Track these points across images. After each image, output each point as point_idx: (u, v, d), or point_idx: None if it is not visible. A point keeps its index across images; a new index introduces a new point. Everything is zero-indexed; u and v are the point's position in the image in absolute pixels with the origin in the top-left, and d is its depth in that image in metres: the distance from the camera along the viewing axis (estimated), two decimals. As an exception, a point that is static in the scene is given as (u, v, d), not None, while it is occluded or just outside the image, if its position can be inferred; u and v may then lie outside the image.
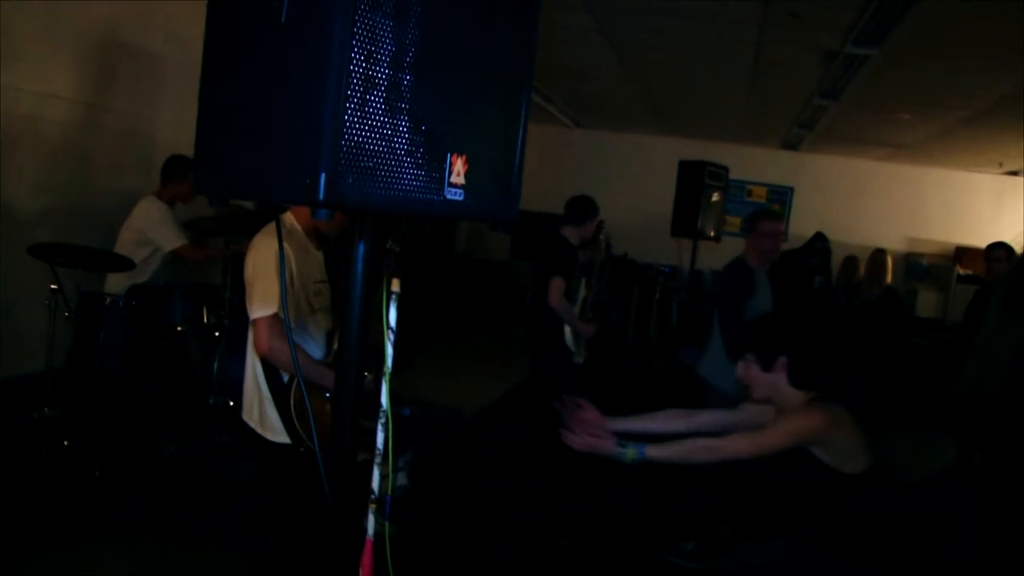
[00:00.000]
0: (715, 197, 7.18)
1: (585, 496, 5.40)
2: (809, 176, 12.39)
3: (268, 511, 3.64)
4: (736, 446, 3.08)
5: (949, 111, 8.32)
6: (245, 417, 3.28)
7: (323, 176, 1.18)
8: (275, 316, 3.01)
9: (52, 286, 4.48)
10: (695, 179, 7.06)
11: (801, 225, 10.85)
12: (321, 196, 1.18)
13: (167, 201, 5.37)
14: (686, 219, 7.11)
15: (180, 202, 5.44)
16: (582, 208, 5.63)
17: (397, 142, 1.31)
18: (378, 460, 2.21)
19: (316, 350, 3.26)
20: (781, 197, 12.57)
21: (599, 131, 13.22)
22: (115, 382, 5.02)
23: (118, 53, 6.05)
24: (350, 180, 1.21)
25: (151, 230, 5.22)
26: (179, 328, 5.18)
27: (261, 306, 3.01)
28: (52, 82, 5.53)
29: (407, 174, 1.34)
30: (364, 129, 1.25)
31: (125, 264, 4.79)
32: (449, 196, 1.43)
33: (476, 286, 12.47)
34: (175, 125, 6.59)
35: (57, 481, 4.35)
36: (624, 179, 12.72)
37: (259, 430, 3.22)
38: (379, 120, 1.28)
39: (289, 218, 3.23)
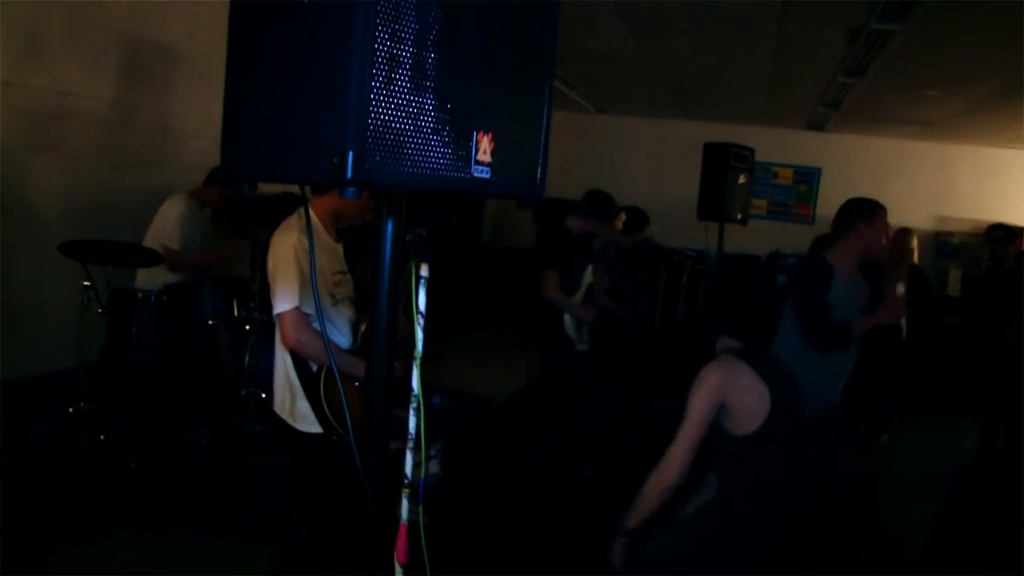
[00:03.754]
0: (741, 179, 7.10)
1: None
2: (836, 156, 12.25)
3: (301, 501, 3.66)
4: (669, 461, 3.14)
5: (975, 86, 8.20)
6: (277, 410, 3.31)
7: (350, 154, 1.18)
8: (298, 309, 3.04)
9: (84, 283, 4.53)
10: (720, 161, 6.98)
11: (829, 206, 10.71)
12: (349, 174, 1.18)
13: (199, 201, 5.40)
14: (712, 202, 7.02)
15: (215, 206, 5.48)
16: (595, 203, 5.61)
17: (423, 120, 1.30)
18: (410, 446, 2.22)
19: (342, 339, 3.28)
20: (808, 178, 12.46)
21: (623, 116, 13.14)
22: (148, 376, 5.07)
23: (141, 50, 6.09)
24: (377, 158, 1.21)
25: (160, 221, 5.22)
26: (210, 322, 5.24)
27: (284, 300, 3.04)
28: (76, 81, 5.58)
29: (434, 152, 1.33)
30: (390, 107, 1.25)
31: (154, 258, 4.83)
32: (476, 174, 1.43)
33: (503, 274, 12.45)
34: (200, 120, 6.63)
35: (93, 474, 4.41)
36: (649, 164, 12.67)
37: (290, 421, 3.25)
38: (405, 98, 1.28)
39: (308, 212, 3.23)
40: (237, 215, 5.20)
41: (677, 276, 10.06)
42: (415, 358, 2.13)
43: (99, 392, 4.79)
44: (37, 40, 5.24)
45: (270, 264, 3.11)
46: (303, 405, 3.18)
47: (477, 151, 1.41)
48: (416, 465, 2.24)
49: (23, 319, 5.30)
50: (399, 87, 1.26)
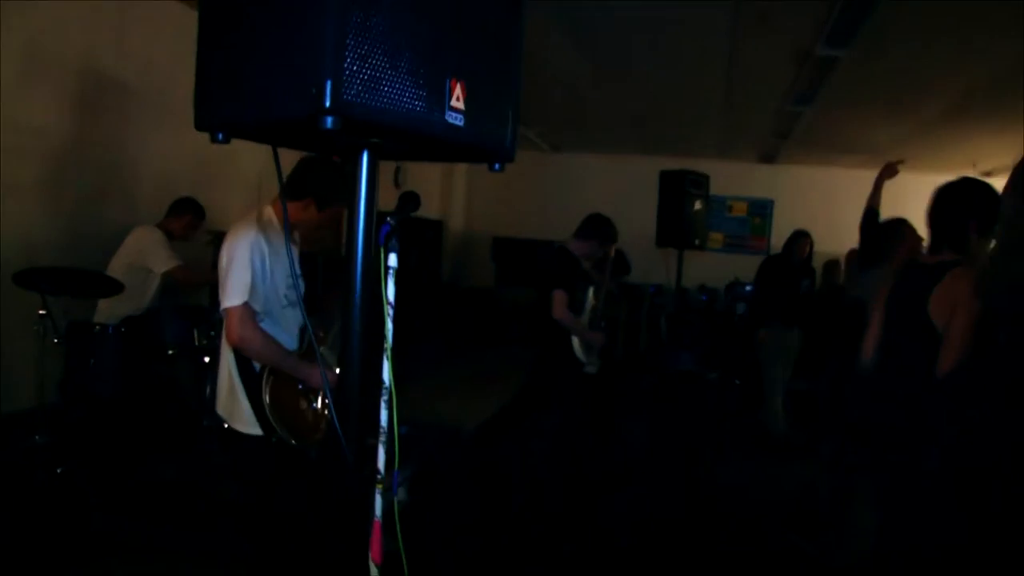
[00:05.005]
0: (698, 205, 7.22)
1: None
2: (788, 188, 12.50)
3: (266, 524, 3.58)
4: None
5: (919, 109, 8.43)
6: (219, 410, 3.27)
7: (328, 83, 1.18)
8: (246, 305, 3.01)
9: (40, 311, 4.45)
10: (677, 188, 7.10)
11: (783, 237, 10.92)
12: (328, 103, 1.18)
13: (165, 232, 5.45)
14: (671, 229, 7.14)
15: (176, 238, 5.48)
16: (595, 226, 5.63)
17: (399, 59, 1.32)
18: (382, 440, 2.19)
19: (289, 341, 3.25)
20: (762, 211, 12.67)
21: (578, 153, 13.30)
22: (108, 408, 4.98)
23: (97, 86, 6.06)
24: (354, 91, 1.22)
25: (145, 252, 5.25)
26: (169, 351, 5.16)
27: (233, 295, 3.00)
28: (33, 115, 5.54)
29: (409, 93, 1.34)
30: (368, 43, 1.26)
31: (113, 287, 4.77)
32: (450, 119, 1.44)
33: (461, 313, 12.45)
34: (156, 155, 6.62)
35: (53, 507, 4.30)
36: (605, 200, 12.65)
37: (230, 422, 3.21)
38: (382, 36, 1.29)
39: (268, 211, 3.23)
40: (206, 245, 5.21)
41: (637, 308, 10.18)
42: (385, 349, 2.12)
43: (58, 426, 4.69)
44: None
45: (223, 259, 3.07)
46: (244, 404, 3.13)
47: (451, 97, 1.42)
48: (389, 457, 2.22)
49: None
50: (377, 25, 1.27)
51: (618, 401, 7.93)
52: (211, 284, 5.40)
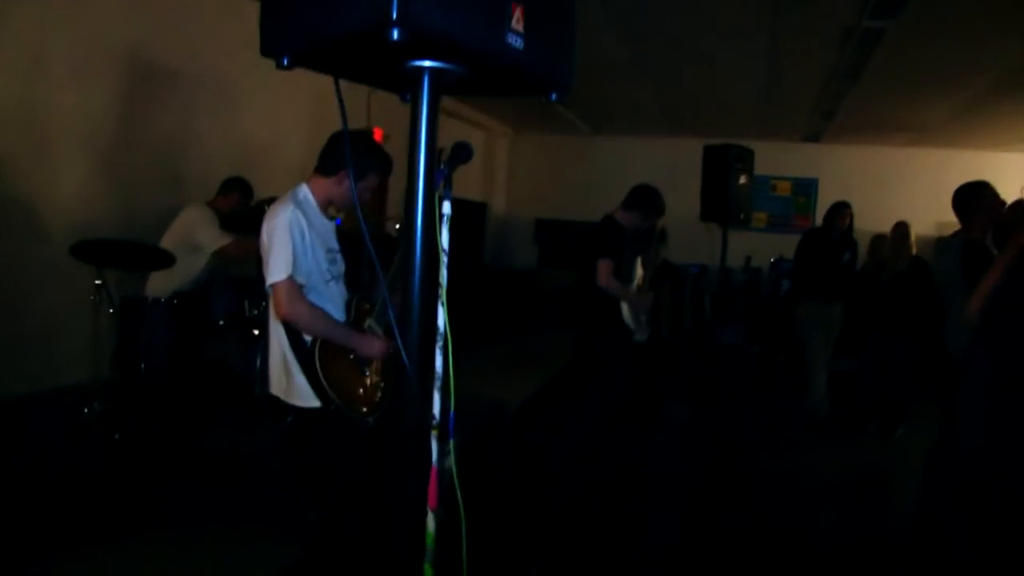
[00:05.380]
0: (742, 179, 7.13)
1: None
2: (833, 167, 12.37)
3: (317, 491, 3.63)
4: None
5: (968, 87, 8.30)
6: (273, 390, 3.30)
7: (396, -6, 1.21)
8: (291, 279, 3.05)
9: (96, 281, 4.54)
10: (721, 162, 7.01)
11: (827, 216, 10.85)
12: (395, 14, 1.20)
13: (214, 210, 5.53)
14: (715, 203, 7.05)
15: (222, 214, 5.57)
16: (639, 197, 5.66)
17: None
18: (437, 385, 2.23)
19: (337, 315, 3.29)
20: (806, 190, 12.56)
21: (619, 136, 13.26)
22: (161, 380, 5.08)
23: (146, 72, 6.17)
24: (420, 4, 1.24)
25: (195, 230, 5.32)
26: (220, 323, 5.25)
27: (277, 270, 3.04)
28: (85, 99, 5.65)
29: (472, 11, 1.36)
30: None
31: (165, 259, 4.85)
32: (510, 41, 1.46)
33: (504, 296, 12.48)
34: (203, 140, 6.73)
35: (110, 475, 4.39)
36: (647, 181, 12.75)
37: (287, 399, 3.24)
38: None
39: (303, 190, 3.28)
40: (248, 218, 5.24)
41: (681, 288, 10.16)
42: (440, 296, 2.15)
43: (113, 396, 4.79)
44: (50, 60, 5.31)
45: (264, 237, 3.12)
46: (300, 379, 3.17)
47: (511, 20, 1.45)
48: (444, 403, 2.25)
49: (33, 335, 5.33)
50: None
51: (662, 378, 7.93)
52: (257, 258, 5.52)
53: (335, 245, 3.37)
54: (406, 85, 1.66)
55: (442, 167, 2.13)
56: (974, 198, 4.72)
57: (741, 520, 5.02)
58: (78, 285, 5.10)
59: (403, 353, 1.78)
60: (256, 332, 5.25)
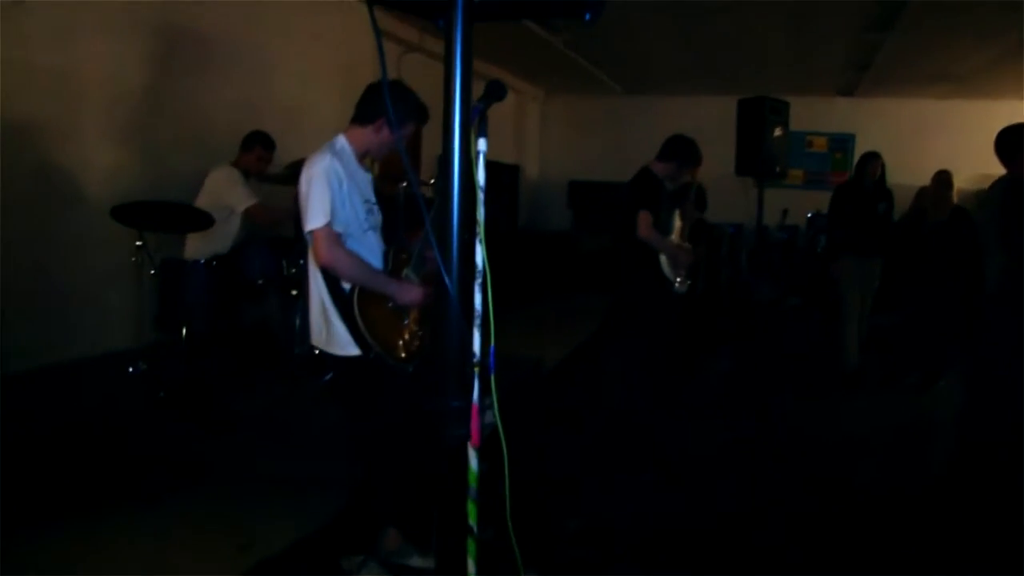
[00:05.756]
0: (778, 132, 7.05)
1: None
2: (870, 122, 12.17)
3: (359, 445, 3.65)
4: None
5: (1007, 31, 8.09)
6: (314, 341, 3.33)
7: None
8: (330, 226, 3.06)
9: (137, 243, 4.59)
10: (756, 115, 6.94)
11: (865, 172, 10.70)
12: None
13: (241, 169, 5.54)
14: (750, 156, 6.97)
15: (251, 173, 5.59)
16: (674, 147, 5.59)
17: None
18: (477, 322, 2.23)
19: (375, 263, 3.31)
20: (843, 145, 12.39)
21: (651, 96, 13.14)
22: (203, 341, 5.14)
23: (176, 38, 6.20)
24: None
25: (224, 191, 5.35)
26: (259, 283, 5.29)
27: (316, 216, 3.05)
28: (114, 66, 5.69)
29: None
30: None
31: (204, 220, 4.89)
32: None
33: (539, 259, 12.46)
34: (232, 107, 6.75)
35: (155, 432, 4.47)
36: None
37: (327, 348, 3.27)
38: None
39: (340, 140, 3.28)
40: (283, 176, 5.27)
41: (717, 247, 10.09)
42: (478, 234, 2.15)
43: (156, 358, 4.86)
44: (76, 28, 5.34)
45: (303, 185, 3.13)
46: (339, 327, 3.19)
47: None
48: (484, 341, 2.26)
49: (77, 298, 5.43)
50: None
51: (699, 335, 7.90)
52: (293, 216, 5.55)
53: (372, 197, 3.38)
54: (439, 11, 1.65)
55: (477, 104, 2.14)
56: (1018, 140, 4.63)
57: (783, 471, 5.00)
58: (119, 249, 5.18)
59: (448, 281, 1.77)
60: (294, 292, 5.29)
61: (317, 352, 5.02)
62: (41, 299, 5.18)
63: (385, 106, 3.21)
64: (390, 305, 3.24)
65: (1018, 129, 4.68)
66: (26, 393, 4.56)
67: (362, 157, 3.35)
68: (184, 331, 4.89)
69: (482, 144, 2.20)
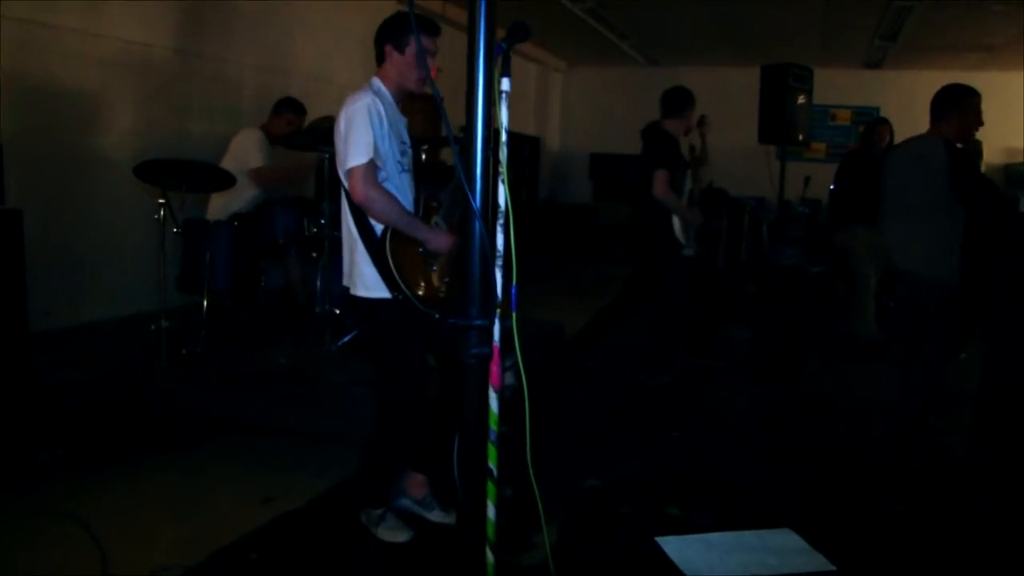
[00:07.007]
0: (801, 99, 6.97)
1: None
2: (895, 95, 11.99)
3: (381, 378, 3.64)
4: None
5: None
6: (345, 282, 3.34)
7: None
8: (371, 163, 3.05)
9: (160, 200, 4.62)
10: (779, 82, 6.87)
11: (889, 146, 10.58)
12: None
13: (267, 134, 5.59)
14: (773, 124, 6.89)
15: (276, 138, 5.62)
16: (678, 99, 5.69)
17: None
18: (499, 263, 2.24)
19: (408, 206, 3.30)
20: (867, 118, 12.22)
21: (675, 67, 13.00)
22: (224, 299, 5.18)
23: (200, 3, 6.24)
24: None
25: (244, 152, 5.41)
26: (281, 242, 5.32)
27: (357, 153, 3.04)
28: (140, 30, 5.75)
29: None
30: None
31: (226, 179, 4.91)
32: None
33: (561, 230, 12.46)
34: (258, 70, 6.77)
35: (177, 388, 4.51)
36: (704, 112, 12.55)
37: (355, 290, 3.27)
38: None
39: (376, 81, 3.28)
40: (305, 137, 5.27)
41: (739, 220, 10.03)
42: (501, 174, 2.15)
43: (179, 316, 4.90)
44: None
45: (340, 125, 3.13)
46: (368, 270, 3.20)
47: None
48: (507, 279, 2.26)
49: (103, 256, 5.52)
50: None
51: (719, 306, 7.88)
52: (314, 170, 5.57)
53: (407, 139, 3.38)
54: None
55: (500, 43, 2.13)
56: (951, 99, 4.62)
57: (806, 436, 4.99)
58: (142, 208, 5.28)
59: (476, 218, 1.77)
60: (315, 254, 5.31)
61: (338, 312, 5.06)
62: (66, 259, 5.25)
63: (385, 34, 3.27)
64: (420, 251, 3.23)
65: (954, 88, 4.67)
66: (52, 350, 4.62)
67: (398, 97, 3.34)
68: (206, 290, 4.92)
69: (505, 83, 2.20)
